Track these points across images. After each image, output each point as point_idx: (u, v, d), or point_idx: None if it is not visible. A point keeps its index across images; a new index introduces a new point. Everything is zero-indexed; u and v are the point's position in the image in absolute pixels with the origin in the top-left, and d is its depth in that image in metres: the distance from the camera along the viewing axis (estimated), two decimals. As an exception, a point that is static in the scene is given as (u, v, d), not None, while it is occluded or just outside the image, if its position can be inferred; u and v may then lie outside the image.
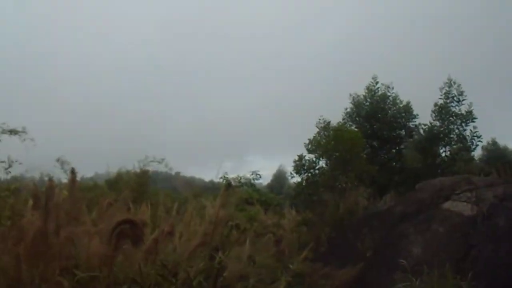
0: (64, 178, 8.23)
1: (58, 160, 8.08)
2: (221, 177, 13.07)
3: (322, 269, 5.97)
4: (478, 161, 17.29)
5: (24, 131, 7.01)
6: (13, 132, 6.84)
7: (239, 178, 14.20)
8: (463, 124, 14.35)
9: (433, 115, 14.85)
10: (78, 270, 3.95)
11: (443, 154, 14.48)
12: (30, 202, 5.09)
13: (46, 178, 8.28)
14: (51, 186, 4.33)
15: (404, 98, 15.58)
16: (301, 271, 5.89)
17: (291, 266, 5.95)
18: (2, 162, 6.58)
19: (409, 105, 15.38)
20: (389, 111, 15.15)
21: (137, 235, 4.09)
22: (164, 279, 4.48)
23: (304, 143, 13.37)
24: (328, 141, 12.57)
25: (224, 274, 5.05)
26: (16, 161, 6.73)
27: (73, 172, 5.05)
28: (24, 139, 6.89)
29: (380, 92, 15.44)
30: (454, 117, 14.41)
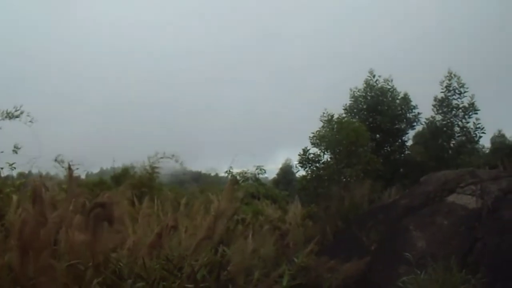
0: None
1: (56, 159, 8.12)
2: (227, 172, 13.16)
3: (327, 262, 5.98)
4: (485, 153, 17.21)
5: (31, 120, 7.08)
6: (15, 116, 6.91)
7: (244, 173, 14.28)
8: (466, 117, 14.33)
9: (434, 109, 14.85)
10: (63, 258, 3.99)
11: (447, 147, 14.48)
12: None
13: (51, 174, 8.41)
14: (39, 180, 4.46)
15: (403, 91, 15.60)
16: (306, 265, 5.92)
17: (296, 260, 5.98)
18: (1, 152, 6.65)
19: (407, 96, 15.35)
20: (390, 104, 15.14)
21: (109, 216, 4.12)
22: (170, 273, 4.51)
23: (309, 137, 13.39)
24: (333, 134, 12.58)
25: (229, 268, 5.09)
26: (19, 147, 6.79)
27: (70, 168, 5.12)
28: (30, 121, 6.94)
29: (377, 86, 15.43)
30: (456, 110, 14.40)
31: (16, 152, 6.82)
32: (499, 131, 20.73)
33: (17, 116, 7.06)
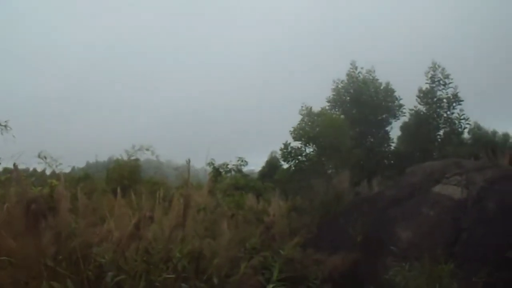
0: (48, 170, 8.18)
1: (39, 155, 7.93)
2: (208, 164, 12.99)
3: (313, 254, 5.91)
4: (467, 144, 17.45)
5: (6, 125, 6.92)
6: None
7: (225, 165, 14.17)
8: (450, 108, 14.47)
9: (418, 99, 14.95)
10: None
11: (432, 138, 14.60)
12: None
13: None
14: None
15: (385, 81, 15.65)
16: (292, 257, 5.84)
17: (282, 252, 5.89)
18: None
19: (389, 86, 15.40)
20: (372, 95, 15.17)
21: (44, 211, 3.97)
22: (152, 266, 4.41)
23: (289, 131, 13.36)
24: (313, 127, 12.56)
25: (215, 260, 4.98)
26: None
27: (15, 166, 4.92)
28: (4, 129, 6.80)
29: (360, 77, 15.45)
30: (440, 101, 14.52)
31: None
32: (475, 122, 21.08)
33: None
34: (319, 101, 15.30)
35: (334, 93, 15.44)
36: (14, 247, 3.70)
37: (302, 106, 13.84)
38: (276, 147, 14.54)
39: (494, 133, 17.82)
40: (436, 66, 14.80)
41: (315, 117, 13.10)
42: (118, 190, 5.39)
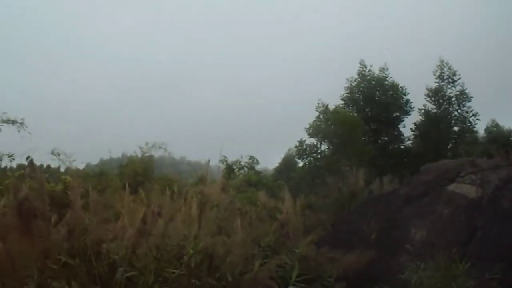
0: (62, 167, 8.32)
1: (52, 152, 8.08)
2: (221, 161, 13.09)
3: (327, 252, 5.94)
4: (481, 143, 17.26)
5: (22, 122, 7.08)
6: (12, 122, 6.88)
7: (238, 162, 14.25)
8: (460, 105, 14.35)
9: (428, 98, 14.83)
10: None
11: (445, 137, 14.47)
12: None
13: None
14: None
15: (394, 80, 15.56)
16: (307, 255, 5.88)
17: (296, 250, 5.94)
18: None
19: (396, 84, 15.28)
20: (385, 93, 15.11)
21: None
22: (168, 263, 4.49)
23: (305, 128, 13.38)
24: (328, 125, 12.57)
25: (228, 258, 5.04)
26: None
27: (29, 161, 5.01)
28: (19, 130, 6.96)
29: (371, 75, 15.36)
30: (450, 99, 14.41)
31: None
32: (493, 120, 20.76)
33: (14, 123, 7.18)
34: (336, 99, 15.29)
35: (347, 91, 15.38)
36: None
37: (318, 103, 13.87)
38: (294, 145, 14.56)
39: (510, 131, 17.59)
40: (444, 63, 14.70)
41: (330, 115, 13.11)
42: (126, 186, 5.48)
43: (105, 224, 4.64)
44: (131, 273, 4.25)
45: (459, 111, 14.52)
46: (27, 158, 5.07)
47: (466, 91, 14.37)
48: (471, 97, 14.32)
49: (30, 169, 4.83)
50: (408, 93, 15.26)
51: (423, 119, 14.87)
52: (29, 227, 3.73)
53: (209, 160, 5.55)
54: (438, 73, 14.79)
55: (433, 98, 14.78)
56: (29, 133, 7.23)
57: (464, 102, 14.43)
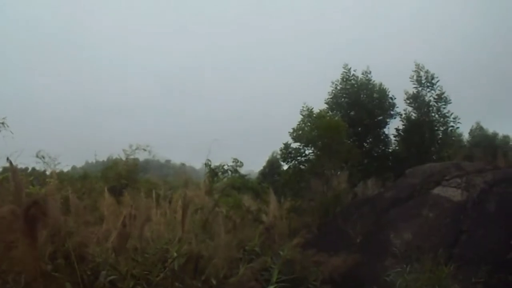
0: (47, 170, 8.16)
1: (37, 155, 7.92)
2: (205, 164, 12.93)
3: (313, 255, 5.87)
4: (464, 146, 17.45)
5: (3, 122, 6.89)
6: None
7: (221, 166, 14.14)
8: (439, 109, 14.48)
9: (407, 102, 14.94)
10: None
11: (428, 141, 14.56)
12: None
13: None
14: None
15: (377, 82, 15.63)
16: (292, 258, 5.80)
17: (281, 253, 5.86)
18: None
19: (382, 87, 15.35)
20: (368, 96, 15.15)
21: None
22: (152, 266, 4.39)
23: (289, 132, 13.29)
24: (312, 129, 12.52)
25: (213, 261, 4.95)
26: None
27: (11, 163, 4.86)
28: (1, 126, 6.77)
29: (355, 79, 15.39)
30: (429, 103, 14.53)
31: None
32: (477, 123, 20.94)
33: None
34: (322, 102, 15.24)
35: (331, 96, 15.37)
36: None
37: (303, 106, 13.79)
38: (279, 148, 14.46)
39: (495, 135, 17.79)
40: (420, 67, 14.84)
41: (314, 120, 13.04)
42: (105, 189, 5.38)
43: (87, 227, 4.52)
44: (113, 276, 4.14)
45: (439, 114, 14.62)
46: (7, 159, 4.89)
47: (444, 94, 14.48)
48: (450, 100, 14.44)
49: (13, 172, 4.66)
50: (395, 98, 15.34)
51: (404, 124, 14.95)
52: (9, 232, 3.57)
53: (187, 164, 5.41)
54: (415, 78, 14.92)
55: (412, 103, 14.90)
56: (11, 132, 6.99)
57: (443, 106, 14.54)
